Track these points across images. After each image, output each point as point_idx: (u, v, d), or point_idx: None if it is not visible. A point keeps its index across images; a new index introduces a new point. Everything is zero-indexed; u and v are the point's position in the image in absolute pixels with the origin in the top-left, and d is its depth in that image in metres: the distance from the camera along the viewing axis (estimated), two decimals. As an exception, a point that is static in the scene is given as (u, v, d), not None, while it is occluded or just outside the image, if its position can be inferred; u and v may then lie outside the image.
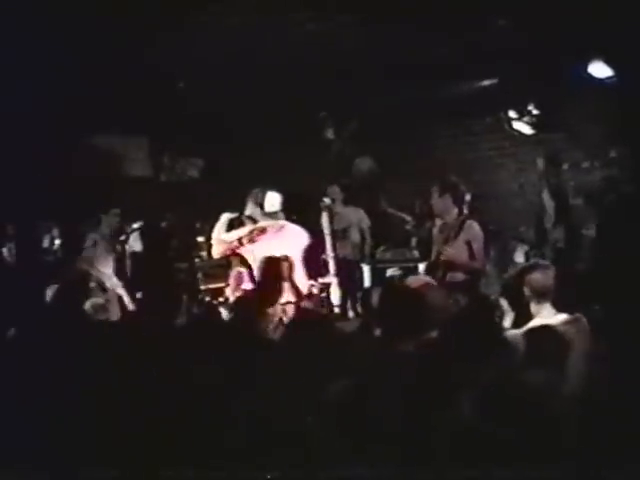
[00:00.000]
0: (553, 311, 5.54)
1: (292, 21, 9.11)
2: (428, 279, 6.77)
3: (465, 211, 8.17)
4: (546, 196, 10.48)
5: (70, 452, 4.07)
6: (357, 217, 10.76)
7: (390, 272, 10.65)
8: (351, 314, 7.70)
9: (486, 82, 10.45)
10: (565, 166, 10.70)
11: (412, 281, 6.37)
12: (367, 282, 10.60)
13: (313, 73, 9.89)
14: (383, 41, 9.23)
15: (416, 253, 10.25)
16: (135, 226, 10.21)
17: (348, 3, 8.79)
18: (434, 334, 4.60)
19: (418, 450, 3.69)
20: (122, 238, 10.10)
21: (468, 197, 9.75)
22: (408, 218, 11.03)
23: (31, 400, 4.41)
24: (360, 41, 9.27)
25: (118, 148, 11.53)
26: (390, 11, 8.59)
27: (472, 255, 7.78)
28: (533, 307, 5.60)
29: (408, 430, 3.82)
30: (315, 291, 8.75)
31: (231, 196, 9.68)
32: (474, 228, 7.92)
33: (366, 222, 10.76)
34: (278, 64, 9.65)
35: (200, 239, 10.45)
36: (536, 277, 5.68)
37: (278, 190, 8.53)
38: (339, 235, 10.22)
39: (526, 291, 5.64)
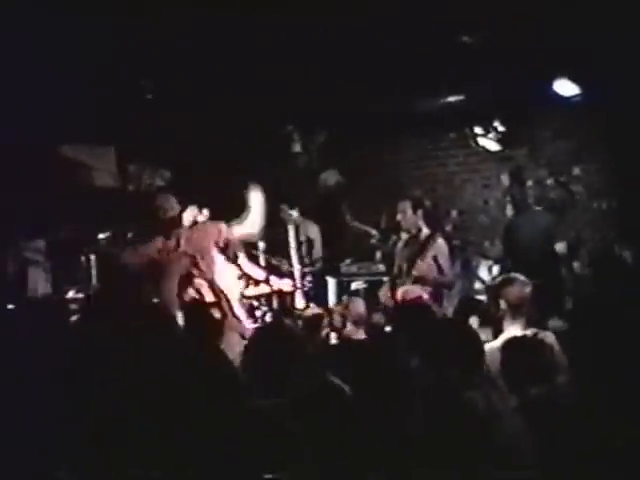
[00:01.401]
0: (523, 325, 5.60)
1: (260, 33, 9.11)
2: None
3: (448, 227, 8.33)
4: (510, 212, 10.58)
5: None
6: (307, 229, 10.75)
7: (355, 285, 10.69)
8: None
9: (452, 98, 10.52)
10: (529, 183, 10.79)
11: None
12: (331, 295, 10.62)
13: (281, 86, 9.90)
14: (351, 56, 9.25)
15: (381, 267, 10.28)
16: (102, 236, 10.17)
17: (317, 16, 8.81)
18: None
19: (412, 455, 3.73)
20: (89, 248, 10.08)
21: (454, 213, 9.94)
22: (373, 232, 11.07)
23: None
24: (328, 55, 9.29)
25: (85, 158, 11.46)
26: (358, 26, 8.62)
27: (440, 270, 7.91)
28: (507, 321, 5.66)
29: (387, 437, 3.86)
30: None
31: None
32: (441, 244, 8.06)
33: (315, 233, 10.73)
34: (245, 77, 9.65)
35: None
36: (514, 291, 5.75)
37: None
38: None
39: (502, 304, 5.70)
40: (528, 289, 5.80)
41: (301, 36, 8.94)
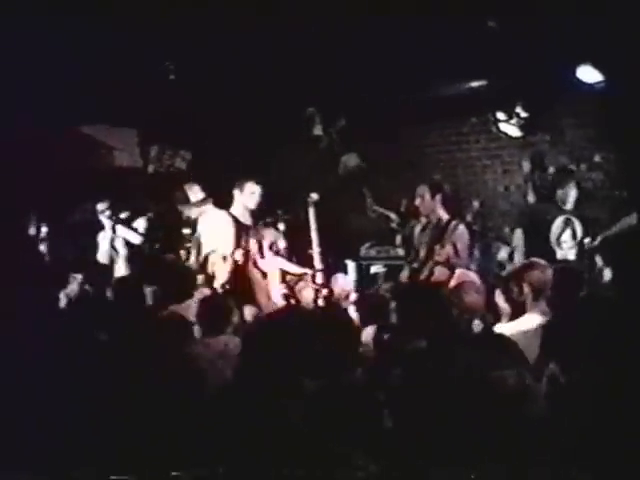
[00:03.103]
0: (546, 310, 5.62)
1: (282, 15, 9.10)
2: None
3: (469, 218, 8.33)
4: (531, 198, 10.56)
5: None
6: None
7: (374, 269, 10.73)
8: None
9: (475, 83, 10.49)
10: (551, 169, 10.77)
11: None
12: (351, 278, 10.65)
13: (303, 69, 9.90)
14: (373, 39, 9.24)
15: (400, 251, 10.31)
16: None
17: (338, 1, 8.81)
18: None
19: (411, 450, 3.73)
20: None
21: (476, 204, 9.89)
22: (393, 216, 11.10)
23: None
24: (350, 39, 9.28)
25: (106, 138, 11.53)
26: (380, 10, 8.61)
27: (457, 256, 7.93)
28: (529, 305, 5.69)
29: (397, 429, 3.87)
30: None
31: (217, 189, 9.77)
32: (461, 229, 8.07)
33: None
34: (267, 59, 9.66)
35: (186, 231, 10.43)
36: (536, 275, 5.79)
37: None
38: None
39: (525, 288, 5.73)
40: (549, 273, 5.85)
41: (323, 19, 8.95)
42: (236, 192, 8.82)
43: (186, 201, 9.06)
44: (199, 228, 8.96)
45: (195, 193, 9.14)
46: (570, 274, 6.70)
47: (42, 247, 10.07)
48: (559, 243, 9.44)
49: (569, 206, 9.44)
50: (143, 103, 10.51)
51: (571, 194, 9.50)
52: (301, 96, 10.89)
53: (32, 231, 10.08)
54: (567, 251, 9.32)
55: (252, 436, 3.80)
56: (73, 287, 8.65)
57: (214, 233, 8.74)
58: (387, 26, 8.91)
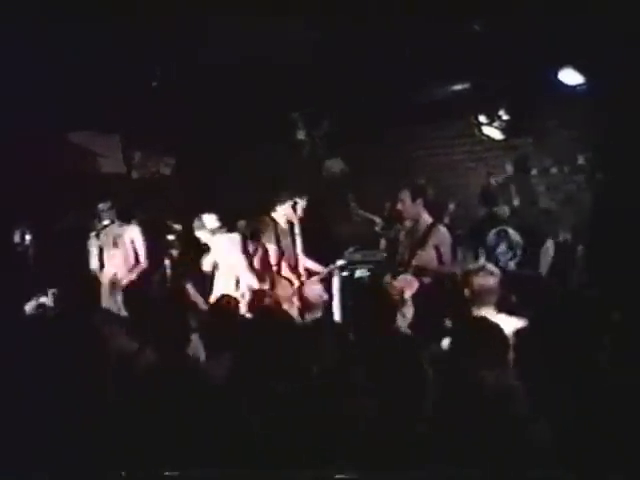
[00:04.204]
0: (490, 314, 5.58)
1: (265, 20, 9.11)
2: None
3: (446, 220, 8.30)
4: (516, 202, 10.57)
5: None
6: None
7: (359, 273, 10.70)
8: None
9: (458, 86, 10.51)
10: (534, 172, 10.79)
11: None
12: (335, 282, 10.64)
13: (285, 73, 9.91)
14: (356, 43, 9.26)
15: (385, 255, 10.30)
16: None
17: (324, 5, 8.81)
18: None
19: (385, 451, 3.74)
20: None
21: (452, 206, 9.85)
22: (377, 220, 11.09)
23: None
24: (334, 42, 9.30)
25: (90, 144, 11.50)
26: (363, 14, 8.62)
27: (440, 259, 7.92)
28: (474, 310, 5.66)
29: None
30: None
31: (201, 195, 9.78)
32: (442, 233, 8.07)
33: None
34: (250, 64, 9.66)
35: (170, 237, 10.42)
36: (478, 281, 5.74)
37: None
38: None
39: (466, 292, 5.71)
40: (493, 280, 5.78)
41: (306, 23, 8.97)
42: (280, 206, 9.37)
43: (202, 227, 9.24)
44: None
45: (212, 221, 9.33)
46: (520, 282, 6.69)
47: (25, 253, 10.02)
48: (495, 256, 9.35)
49: (506, 216, 9.46)
50: (126, 109, 10.50)
51: (505, 207, 9.52)
52: (285, 100, 10.88)
53: (16, 238, 10.04)
54: (506, 262, 9.24)
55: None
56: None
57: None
58: (371, 29, 8.93)
